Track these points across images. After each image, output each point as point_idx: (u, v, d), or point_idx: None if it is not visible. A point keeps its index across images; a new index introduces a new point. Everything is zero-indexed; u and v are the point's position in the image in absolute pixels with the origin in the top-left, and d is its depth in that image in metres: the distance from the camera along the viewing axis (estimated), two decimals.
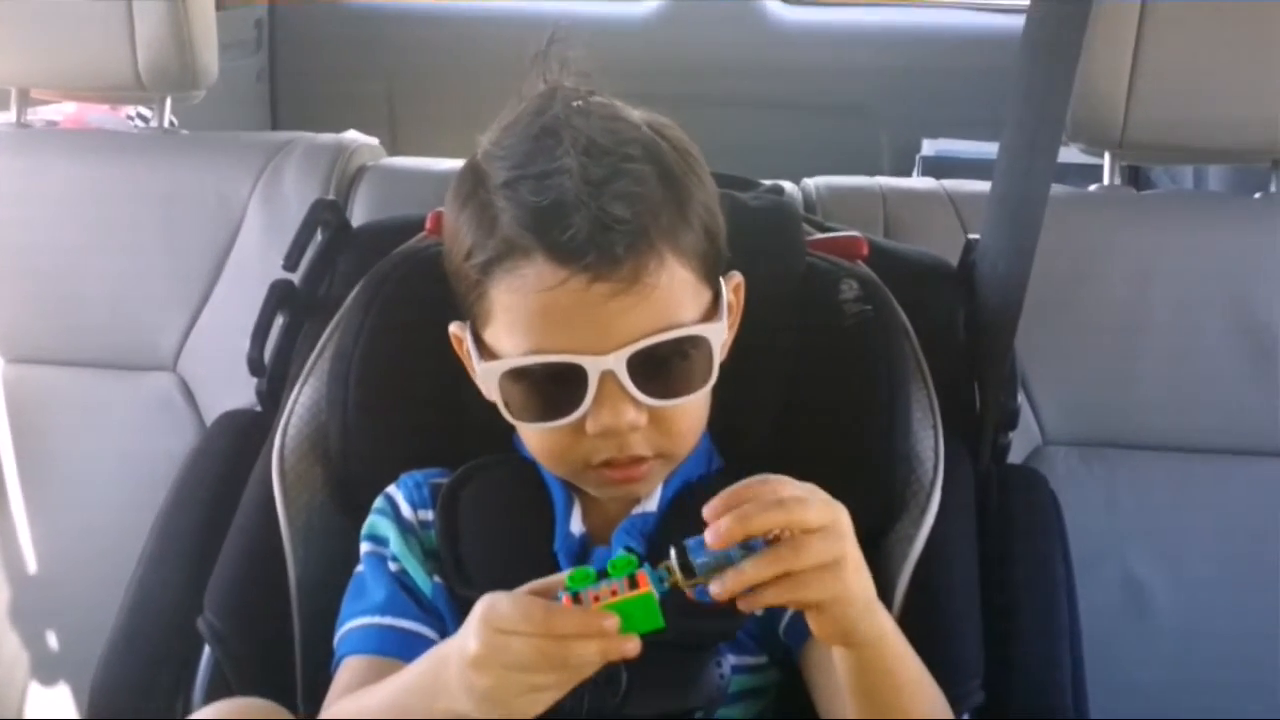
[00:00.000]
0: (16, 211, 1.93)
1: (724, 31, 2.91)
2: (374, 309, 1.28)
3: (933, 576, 1.20)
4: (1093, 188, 1.84)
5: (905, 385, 1.25)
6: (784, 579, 0.92)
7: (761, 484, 0.94)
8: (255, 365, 1.40)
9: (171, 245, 1.90)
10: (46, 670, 1.88)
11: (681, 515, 1.12)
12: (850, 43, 2.93)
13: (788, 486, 0.94)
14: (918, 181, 2.01)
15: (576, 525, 1.15)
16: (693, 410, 1.10)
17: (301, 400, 1.31)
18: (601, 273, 1.02)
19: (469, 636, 0.93)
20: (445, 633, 1.12)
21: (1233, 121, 1.71)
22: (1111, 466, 1.74)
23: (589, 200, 1.02)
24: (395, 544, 1.16)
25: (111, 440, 1.88)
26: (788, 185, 1.62)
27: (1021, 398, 1.37)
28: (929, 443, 1.25)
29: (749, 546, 0.92)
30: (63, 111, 2.25)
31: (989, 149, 1.56)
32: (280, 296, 1.42)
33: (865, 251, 1.34)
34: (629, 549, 1.11)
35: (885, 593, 1.08)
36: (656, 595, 0.91)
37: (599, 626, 0.90)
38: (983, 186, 1.55)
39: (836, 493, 0.96)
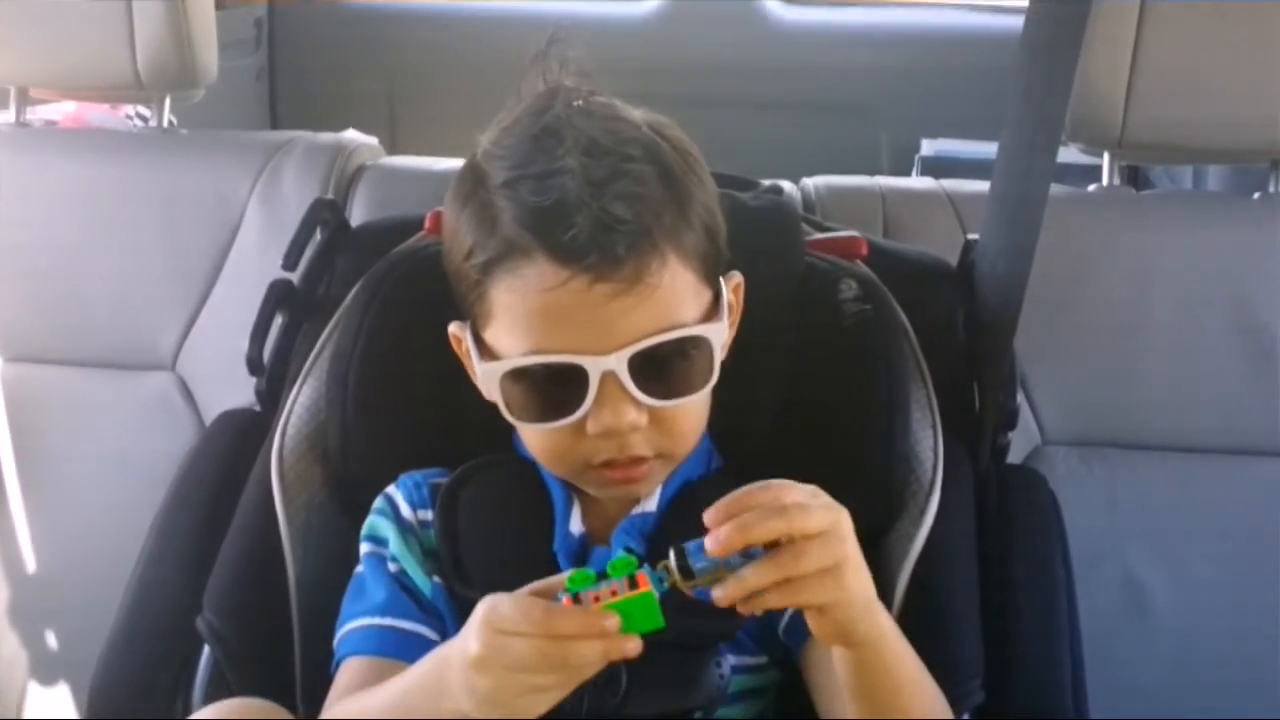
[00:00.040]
0: (15, 211, 1.93)
1: (723, 31, 2.91)
2: (373, 308, 1.28)
3: (932, 576, 1.20)
4: (1092, 188, 1.84)
5: (904, 385, 1.25)
6: (784, 583, 0.91)
7: (763, 490, 0.93)
8: (254, 365, 1.40)
9: (170, 244, 1.90)
10: (46, 670, 1.88)
11: (681, 515, 1.12)
12: (850, 43, 2.93)
13: (790, 492, 0.93)
14: (917, 181, 2.01)
15: (576, 525, 1.15)
16: (693, 410, 1.10)
17: (300, 400, 1.31)
18: (603, 273, 1.02)
19: (470, 638, 0.93)
20: (445, 633, 1.12)
21: (1232, 121, 1.71)
22: (1111, 466, 1.74)
23: (591, 200, 1.02)
24: (395, 544, 1.16)
25: (110, 440, 1.88)
26: (787, 185, 1.62)
27: (1021, 398, 1.37)
28: (928, 442, 1.25)
29: (749, 553, 0.92)
30: (62, 110, 2.25)
31: (988, 149, 1.56)
32: (279, 296, 1.42)
33: (864, 251, 1.34)
34: (628, 549, 1.11)
35: (885, 592, 1.08)
36: (657, 595, 0.91)
37: (600, 627, 0.90)
38: (982, 186, 1.56)
39: (836, 492, 0.96)
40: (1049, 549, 1.34)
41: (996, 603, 1.26)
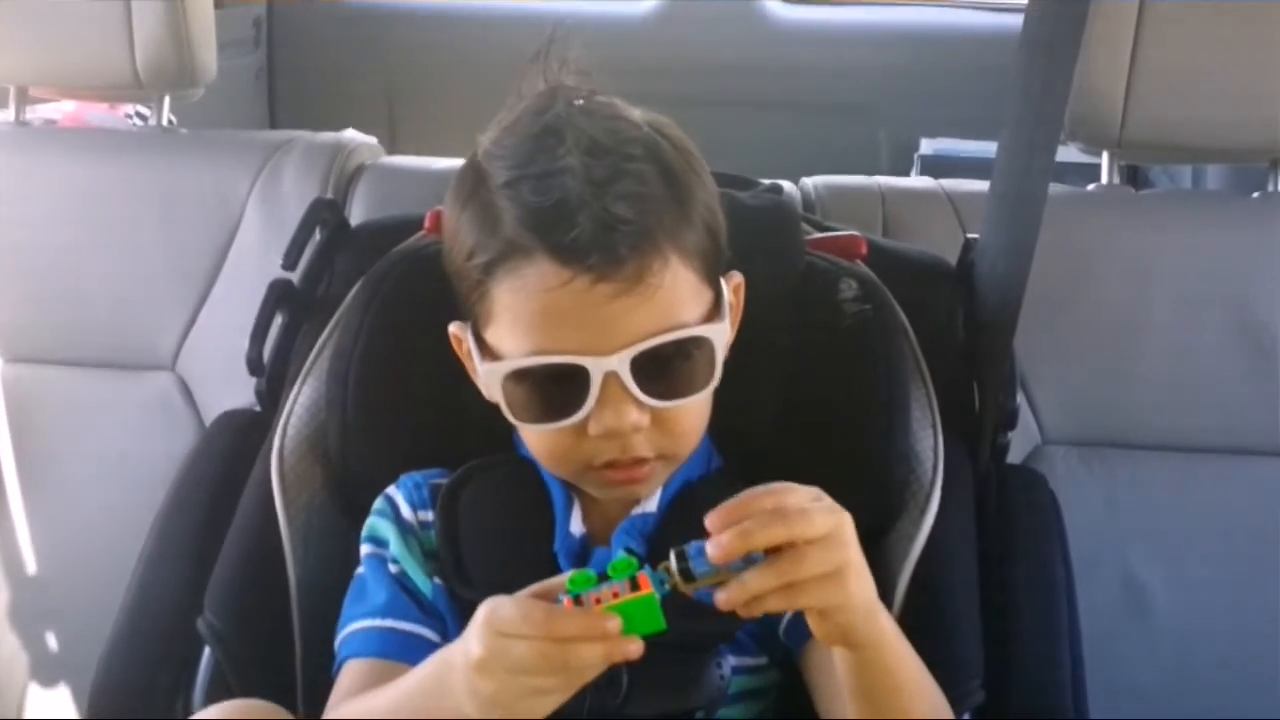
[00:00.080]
0: (15, 210, 1.93)
1: (723, 31, 2.91)
2: (373, 308, 1.28)
3: (932, 576, 1.20)
4: (1091, 187, 1.84)
5: (904, 384, 1.25)
6: (785, 588, 0.91)
7: (765, 495, 0.93)
8: (254, 365, 1.40)
9: (170, 244, 1.90)
10: (46, 670, 1.88)
11: (681, 516, 1.12)
12: (849, 42, 2.93)
13: (792, 495, 0.93)
14: (916, 181, 2.01)
15: (576, 525, 1.15)
16: (695, 411, 1.10)
17: (301, 400, 1.31)
18: (605, 273, 1.01)
19: (472, 640, 0.93)
20: (446, 634, 1.12)
21: (1231, 121, 1.71)
22: (1111, 466, 1.74)
23: (592, 200, 1.02)
24: (395, 545, 1.16)
25: (110, 440, 1.88)
26: (786, 184, 1.62)
27: (1021, 397, 1.37)
28: (928, 442, 1.25)
29: (750, 556, 0.92)
30: (61, 110, 2.25)
31: (988, 148, 1.56)
32: (279, 295, 1.42)
33: (864, 251, 1.34)
34: (629, 550, 1.11)
35: (885, 592, 1.07)
36: (658, 597, 0.91)
37: (601, 629, 0.90)
38: (981, 186, 1.55)
39: (836, 492, 0.96)
40: (1049, 549, 1.34)
41: (996, 602, 1.26)
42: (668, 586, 0.92)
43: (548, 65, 1.12)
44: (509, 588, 0.95)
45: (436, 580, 1.15)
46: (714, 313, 1.09)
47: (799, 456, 1.19)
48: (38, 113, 2.17)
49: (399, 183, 1.90)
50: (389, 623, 1.12)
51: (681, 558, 0.92)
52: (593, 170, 1.03)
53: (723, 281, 1.11)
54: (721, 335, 1.09)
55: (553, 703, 0.93)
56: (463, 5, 3.06)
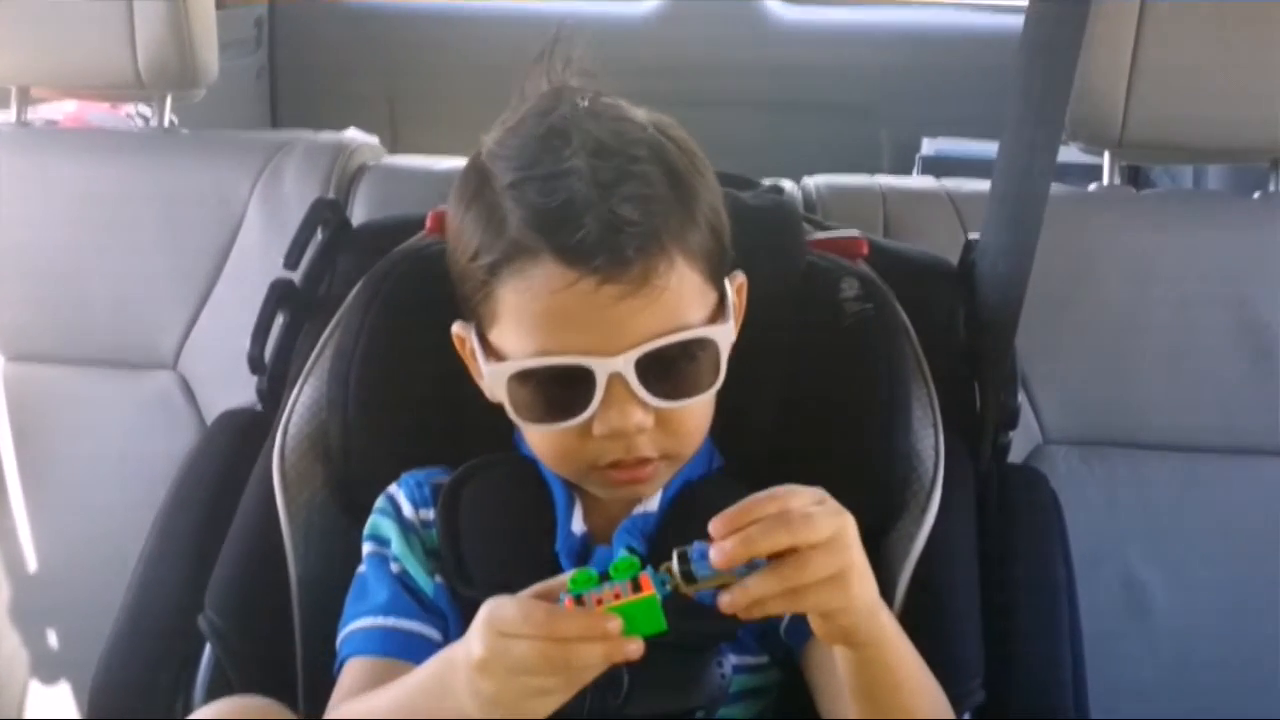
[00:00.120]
0: (16, 210, 1.93)
1: (724, 31, 2.91)
2: (374, 308, 1.28)
3: (933, 575, 1.20)
4: (1092, 187, 1.84)
5: (905, 384, 1.25)
6: (788, 591, 0.91)
7: (769, 500, 0.93)
8: (255, 364, 1.40)
9: (172, 244, 1.90)
10: (47, 670, 1.88)
11: (682, 515, 1.13)
12: (850, 42, 2.93)
13: (795, 499, 0.93)
14: (917, 181, 2.02)
15: (578, 525, 1.15)
16: (699, 411, 1.10)
17: (302, 399, 1.31)
18: (611, 275, 1.01)
19: (473, 640, 0.93)
20: (447, 633, 1.12)
21: (1232, 120, 1.71)
22: (1112, 466, 1.74)
23: (599, 202, 1.02)
24: (396, 544, 1.16)
25: (112, 439, 1.88)
26: (787, 184, 1.63)
27: (1022, 397, 1.37)
28: (929, 441, 1.25)
29: (753, 562, 0.92)
30: (63, 110, 2.25)
31: (989, 148, 1.56)
32: (280, 295, 1.42)
33: (865, 250, 1.34)
34: (630, 549, 1.11)
35: (886, 591, 1.08)
36: (659, 598, 0.91)
37: (602, 629, 0.90)
38: (983, 185, 1.55)
39: (837, 492, 0.96)
40: (1050, 548, 1.34)
41: (997, 602, 1.26)
42: (669, 588, 0.92)
43: (551, 66, 1.12)
44: (510, 586, 0.96)
45: (438, 579, 1.15)
46: (718, 313, 1.09)
47: (800, 456, 1.19)
48: (39, 113, 2.17)
49: (400, 183, 1.90)
50: (390, 621, 1.13)
51: (684, 560, 0.92)
52: (599, 172, 1.03)
53: (726, 282, 1.11)
54: (726, 336, 1.09)
55: (554, 702, 0.93)
56: (464, 5, 3.06)
